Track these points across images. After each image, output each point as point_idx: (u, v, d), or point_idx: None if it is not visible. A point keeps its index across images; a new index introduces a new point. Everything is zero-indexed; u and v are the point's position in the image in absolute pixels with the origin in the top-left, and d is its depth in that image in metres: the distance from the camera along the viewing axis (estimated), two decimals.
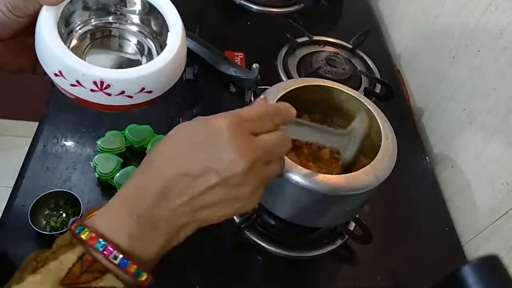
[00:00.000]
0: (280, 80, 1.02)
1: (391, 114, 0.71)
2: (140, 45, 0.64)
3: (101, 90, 0.52)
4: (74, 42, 0.59)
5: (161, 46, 0.60)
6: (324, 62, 1.04)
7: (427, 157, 0.98)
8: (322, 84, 0.72)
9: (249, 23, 1.20)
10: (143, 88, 0.54)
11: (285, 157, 0.60)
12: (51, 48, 0.51)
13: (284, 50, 1.09)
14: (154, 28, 0.63)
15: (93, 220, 0.41)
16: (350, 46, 1.14)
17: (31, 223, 0.72)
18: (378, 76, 1.08)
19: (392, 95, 0.98)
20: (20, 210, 0.76)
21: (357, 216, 0.76)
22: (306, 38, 1.13)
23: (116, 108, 0.56)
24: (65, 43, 0.54)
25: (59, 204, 0.78)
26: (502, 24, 0.79)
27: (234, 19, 1.24)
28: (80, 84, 0.52)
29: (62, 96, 1.00)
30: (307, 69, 1.06)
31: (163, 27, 0.60)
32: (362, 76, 1.07)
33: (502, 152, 0.78)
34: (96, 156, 0.83)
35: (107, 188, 0.82)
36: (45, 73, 0.54)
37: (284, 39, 1.11)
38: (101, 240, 0.39)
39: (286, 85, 0.69)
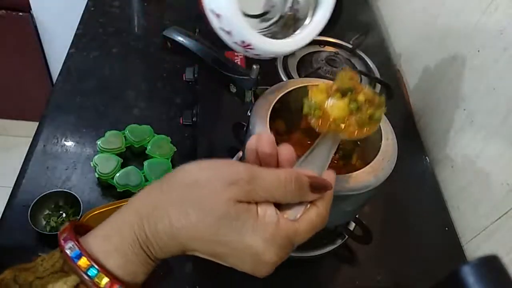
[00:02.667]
0: (280, 80, 1.02)
1: (391, 114, 0.71)
2: None
3: (242, 47, 0.60)
4: None
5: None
6: (324, 62, 1.04)
7: (427, 157, 0.98)
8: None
9: None
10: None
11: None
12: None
13: None
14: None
15: (90, 241, 0.37)
16: (350, 46, 1.13)
17: (31, 223, 0.72)
18: (378, 76, 1.08)
19: (392, 95, 0.98)
20: (20, 210, 0.77)
21: (357, 216, 0.76)
22: None
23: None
24: None
25: (59, 204, 0.78)
26: (502, 24, 0.79)
27: None
28: (230, 34, 0.59)
29: (62, 96, 1.01)
30: (307, 69, 1.06)
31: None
32: (362, 76, 1.07)
33: (502, 152, 0.78)
34: (96, 156, 0.83)
35: (107, 188, 0.82)
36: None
37: None
38: (105, 277, 0.36)
39: (286, 85, 0.69)
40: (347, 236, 0.79)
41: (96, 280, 0.35)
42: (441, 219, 0.89)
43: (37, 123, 0.92)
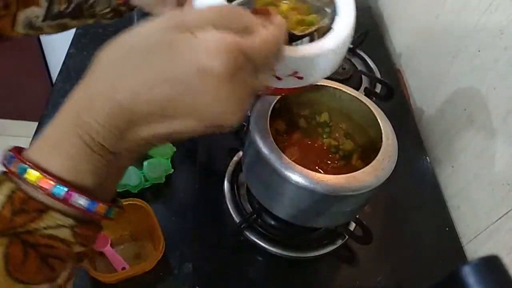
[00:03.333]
0: None
1: (392, 114, 0.71)
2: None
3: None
4: None
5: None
6: None
7: (427, 157, 0.98)
8: (322, 84, 0.72)
9: None
10: (296, 72, 0.46)
11: (285, 156, 0.60)
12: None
13: None
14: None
15: (34, 150, 0.33)
16: (351, 46, 1.13)
17: None
18: (379, 76, 1.08)
19: (393, 95, 0.97)
20: None
21: (357, 216, 0.76)
22: None
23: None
24: None
25: None
26: (503, 24, 0.79)
27: None
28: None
29: (61, 96, 1.00)
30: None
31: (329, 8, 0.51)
32: (363, 76, 1.07)
33: (502, 152, 0.78)
34: None
35: None
36: None
37: None
38: (56, 183, 0.31)
39: None
40: (347, 236, 0.78)
41: (26, 176, 0.31)
42: (442, 219, 0.89)
43: (36, 123, 0.92)
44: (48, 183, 0.31)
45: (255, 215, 0.76)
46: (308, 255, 0.77)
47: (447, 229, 0.88)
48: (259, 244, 0.77)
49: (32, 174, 0.31)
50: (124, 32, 0.33)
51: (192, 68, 0.29)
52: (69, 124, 0.32)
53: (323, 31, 0.49)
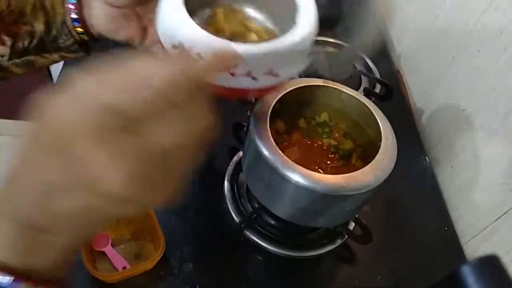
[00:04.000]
0: None
1: (391, 114, 0.71)
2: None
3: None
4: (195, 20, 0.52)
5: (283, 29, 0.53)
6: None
7: (426, 157, 0.99)
8: (322, 84, 0.72)
9: None
10: (271, 70, 0.47)
11: (285, 156, 0.60)
12: (175, 18, 0.46)
13: None
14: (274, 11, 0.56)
15: None
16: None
17: None
18: (378, 76, 1.08)
19: (392, 95, 0.98)
20: None
21: (357, 216, 0.76)
22: None
23: (237, 93, 0.49)
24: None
25: None
26: (502, 24, 0.79)
27: None
28: (202, 58, 0.45)
29: None
30: (307, 69, 1.05)
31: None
32: (362, 76, 1.07)
33: (501, 152, 0.78)
34: None
35: None
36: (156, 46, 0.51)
37: None
38: None
39: (286, 85, 0.69)
40: (346, 236, 0.79)
41: None
42: (441, 219, 0.89)
43: None
44: None
45: (255, 215, 0.77)
46: (308, 255, 0.77)
47: (446, 228, 0.88)
48: (259, 244, 0.77)
49: None
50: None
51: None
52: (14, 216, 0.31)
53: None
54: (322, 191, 0.59)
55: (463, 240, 0.86)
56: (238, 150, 0.87)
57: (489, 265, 0.36)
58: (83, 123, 0.29)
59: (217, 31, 0.55)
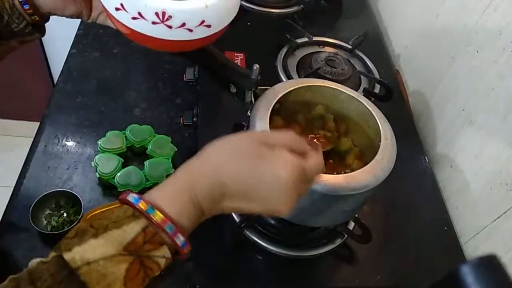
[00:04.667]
0: (280, 80, 1.02)
1: (390, 114, 0.71)
2: None
3: (162, 21, 0.52)
4: None
5: None
6: (323, 63, 1.05)
7: (426, 157, 0.99)
8: (322, 84, 0.72)
9: (249, 24, 1.20)
10: (203, 21, 0.54)
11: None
12: None
13: (284, 51, 1.10)
14: None
15: (157, 199, 0.44)
16: (350, 47, 1.14)
17: (32, 223, 0.73)
18: (378, 77, 1.08)
19: (391, 95, 0.98)
20: (21, 209, 0.77)
21: (356, 215, 0.76)
22: (305, 39, 1.13)
23: (176, 45, 0.56)
24: None
25: (60, 203, 0.79)
26: (501, 25, 0.80)
27: (234, 20, 1.24)
28: (142, 16, 0.52)
29: (63, 96, 1.01)
30: (306, 69, 1.06)
31: None
32: (362, 77, 1.08)
33: (501, 152, 0.79)
34: (97, 156, 0.83)
35: (108, 188, 0.83)
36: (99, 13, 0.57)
37: (284, 40, 1.11)
38: (170, 224, 0.43)
39: (286, 86, 0.70)
40: (346, 236, 0.79)
41: (153, 216, 0.42)
42: (440, 219, 0.89)
43: (38, 123, 0.93)
44: (166, 223, 0.43)
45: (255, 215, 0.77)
46: (308, 254, 0.78)
47: (445, 228, 0.88)
48: (259, 243, 0.77)
49: (158, 215, 0.43)
50: (224, 137, 0.49)
51: (274, 175, 0.45)
52: (185, 184, 0.46)
53: None
54: (321, 191, 0.60)
55: (462, 240, 0.86)
56: None
57: (489, 264, 0.37)
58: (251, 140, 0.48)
59: None
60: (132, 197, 0.44)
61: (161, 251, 0.42)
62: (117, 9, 0.53)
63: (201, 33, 0.56)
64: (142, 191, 0.81)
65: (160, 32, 0.54)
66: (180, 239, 0.43)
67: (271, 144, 0.47)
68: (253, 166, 0.46)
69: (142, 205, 0.43)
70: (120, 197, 0.45)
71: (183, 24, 0.53)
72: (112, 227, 0.41)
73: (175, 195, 0.45)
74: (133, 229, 0.41)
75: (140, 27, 0.54)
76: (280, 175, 0.45)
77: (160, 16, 0.52)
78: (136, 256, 0.41)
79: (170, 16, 0.52)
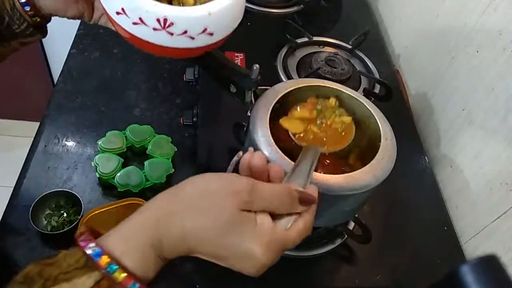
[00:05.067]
0: (280, 80, 1.02)
1: (390, 114, 0.71)
2: None
3: (163, 28, 0.51)
4: None
5: None
6: (323, 63, 1.05)
7: (426, 157, 0.99)
8: (322, 84, 0.72)
9: (249, 24, 1.20)
10: (205, 29, 0.53)
11: (285, 157, 0.61)
12: None
13: (284, 51, 1.10)
14: None
15: (109, 241, 0.41)
16: (350, 47, 1.14)
17: (32, 223, 0.73)
18: (377, 77, 1.08)
19: (391, 95, 0.98)
20: (21, 209, 0.77)
21: (356, 215, 0.76)
22: (305, 39, 1.13)
23: (176, 53, 0.54)
24: None
25: (60, 203, 0.79)
26: (501, 25, 0.80)
27: None
28: (143, 22, 0.51)
29: (63, 96, 1.01)
30: (306, 69, 1.06)
31: None
32: (362, 77, 1.08)
33: (500, 152, 0.79)
34: (97, 156, 0.83)
35: (108, 187, 0.83)
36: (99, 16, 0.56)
37: (284, 40, 1.11)
38: (135, 283, 0.39)
39: (286, 86, 0.70)
40: (346, 236, 0.79)
41: (115, 275, 0.39)
42: (440, 219, 0.90)
43: (38, 123, 0.93)
44: (129, 281, 0.39)
45: None
46: (308, 254, 0.78)
47: (445, 228, 0.88)
48: None
49: (121, 275, 0.39)
50: (205, 180, 0.44)
51: (250, 253, 0.42)
52: (151, 241, 0.41)
53: None
54: (322, 191, 0.60)
55: (462, 240, 0.87)
56: (238, 150, 0.87)
57: (488, 264, 0.37)
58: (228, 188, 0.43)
59: None
60: (92, 249, 0.40)
61: None
62: (118, 13, 0.51)
63: (203, 41, 0.54)
64: (142, 191, 0.82)
65: (161, 38, 0.52)
66: (134, 286, 0.40)
67: (254, 207, 0.43)
68: (227, 236, 0.41)
69: (102, 262, 0.39)
70: (79, 243, 0.41)
71: (185, 32, 0.52)
72: (61, 279, 0.38)
73: (140, 251, 0.41)
74: (84, 284, 0.38)
75: (141, 32, 0.52)
76: (255, 255, 0.42)
77: (162, 23, 0.51)
78: None
79: (172, 23, 0.51)
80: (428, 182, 0.95)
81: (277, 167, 0.48)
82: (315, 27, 1.19)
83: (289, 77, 1.04)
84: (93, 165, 0.83)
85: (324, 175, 0.61)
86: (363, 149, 0.73)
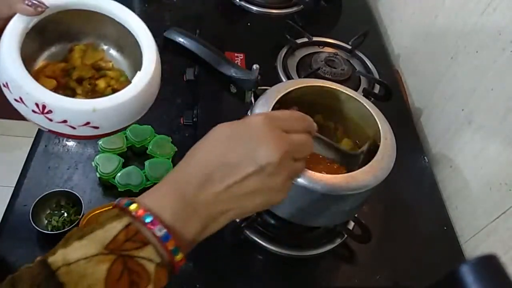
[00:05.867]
0: (280, 80, 1.03)
1: (390, 114, 0.71)
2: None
3: (42, 113, 0.50)
4: (51, 52, 0.58)
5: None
6: (323, 63, 1.05)
7: (425, 157, 0.99)
8: (322, 84, 0.72)
9: (249, 24, 1.20)
10: (88, 122, 0.51)
11: None
12: (4, 58, 0.50)
13: (283, 51, 1.10)
14: (136, 58, 0.60)
15: (141, 197, 0.43)
16: (349, 47, 1.14)
17: (32, 223, 0.73)
18: (377, 77, 1.08)
19: (391, 95, 0.98)
20: (21, 209, 0.77)
21: (356, 215, 0.76)
22: (305, 39, 1.13)
23: (59, 134, 0.54)
24: (41, 49, 0.53)
25: (61, 203, 0.79)
26: (501, 25, 0.80)
27: (234, 20, 1.25)
28: (23, 102, 0.51)
29: None
30: (306, 69, 1.06)
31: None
32: (361, 77, 1.08)
33: (500, 152, 0.79)
34: (97, 156, 0.83)
35: (109, 187, 0.83)
36: None
37: (284, 40, 1.11)
38: (149, 213, 0.41)
39: (286, 86, 0.70)
40: (346, 235, 0.79)
41: (142, 218, 0.40)
42: (440, 219, 0.90)
43: None
44: (143, 214, 0.41)
45: (255, 214, 0.77)
46: (308, 254, 0.78)
47: (445, 228, 0.88)
48: (259, 243, 0.77)
49: (147, 219, 0.40)
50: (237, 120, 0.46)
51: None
52: (176, 184, 0.44)
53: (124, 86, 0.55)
54: (321, 191, 0.60)
55: (462, 240, 0.87)
56: None
57: (488, 264, 0.37)
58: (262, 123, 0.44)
59: (67, 69, 0.58)
60: (124, 201, 0.42)
61: (145, 251, 0.39)
62: (3, 85, 0.51)
63: (86, 131, 0.53)
64: (142, 191, 0.82)
65: (40, 121, 0.52)
66: (160, 231, 0.40)
67: (279, 125, 0.45)
68: (250, 152, 0.43)
69: (132, 207, 0.41)
70: (115, 203, 0.43)
71: (65, 121, 0.50)
72: (96, 228, 0.40)
73: (161, 192, 0.44)
74: (115, 227, 0.39)
75: (21, 110, 0.52)
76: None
77: (40, 108, 0.50)
78: (118, 256, 0.38)
79: (50, 111, 0.50)
80: (427, 182, 0.96)
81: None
82: (315, 27, 1.19)
83: (289, 77, 1.04)
84: (93, 165, 0.83)
85: (324, 175, 0.61)
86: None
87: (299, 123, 0.48)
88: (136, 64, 0.59)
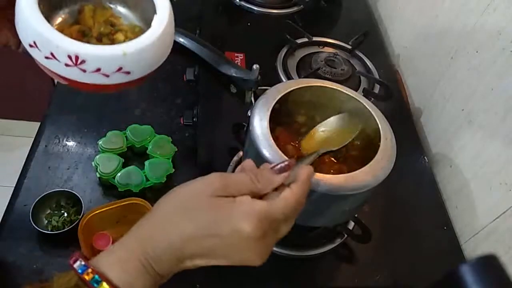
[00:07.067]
0: (280, 80, 1.03)
1: (390, 114, 0.71)
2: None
3: (75, 65, 0.50)
4: (61, 18, 0.58)
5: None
6: (323, 63, 1.05)
7: (425, 157, 0.99)
8: (322, 84, 0.72)
9: (249, 24, 1.20)
10: (120, 68, 0.51)
11: (285, 157, 0.61)
12: (27, 17, 0.49)
13: (283, 51, 1.10)
14: (143, 9, 0.60)
15: (101, 263, 0.41)
16: (349, 47, 1.14)
17: (32, 223, 0.73)
18: (377, 77, 1.08)
19: (391, 95, 0.98)
20: (22, 209, 0.77)
21: (356, 215, 0.76)
22: (305, 39, 1.13)
23: (92, 87, 0.53)
24: (50, 16, 0.52)
25: (61, 203, 0.79)
26: (501, 25, 0.80)
27: (234, 20, 1.25)
28: (55, 57, 0.50)
29: (64, 96, 1.01)
30: (306, 69, 1.06)
31: (151, 10, 0.57)
32: (361, 77, 1.08)
33: (500, 152, 0.79)
34: (97, 156, 0.84)
35: (108, 187, 0.83)
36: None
37: (284, 40, 1.11)
38: None
39: (286, 86, 0.70)
40: (346, 235, 0.79)
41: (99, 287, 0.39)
42: (440, 218, 0.90)
43: (38, 123, 0.93)
44: None
45: None
46: (308, 254, 0.78)
47: (445, 228, 0.88)
48: None
49: (104, 286, 0.39)
50: (177, 188, 0.45)
51: (232, 229, 0.41)
52: (135, 251, 0.42)
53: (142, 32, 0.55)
54: (321, 191, 0.60)
55: (462, 240, 0.87)
56: (238, 150, 0.87)
57: (488, 264, 0.37)
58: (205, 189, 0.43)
59: (83, 30, 0.58)
60: (78, 265, 0.41)
61: None
62: (30, 45, 0.51)
63: (119, 78, 0.53)
64: (142, 191, 0.82)
65: (74, 74, 0.51)
66: None
67: (231, 191, 0.43)
68: (209, 223, 0.41)
69: (87, 276, 0.40)
70: (69, 261, 0.42)
71: (98, 69, 0.50)
72: None
73: (126, 263, 0.41)
74: None
75: (53, 67, 0.51)
76: (242, 229, 0.41)
77: (73, 59, 0.49)
78: None
79: (84, 61, 0.49)
80: (427, 182, 0.96)
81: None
82: (315, 27, 1.19)
83: (289, 77, 1.04)
84: (93, 165, 0.83)
85: (324, 175, 0.61)
86: (362, 149, 0.73)
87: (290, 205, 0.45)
88: (144, 15, 0.60)
